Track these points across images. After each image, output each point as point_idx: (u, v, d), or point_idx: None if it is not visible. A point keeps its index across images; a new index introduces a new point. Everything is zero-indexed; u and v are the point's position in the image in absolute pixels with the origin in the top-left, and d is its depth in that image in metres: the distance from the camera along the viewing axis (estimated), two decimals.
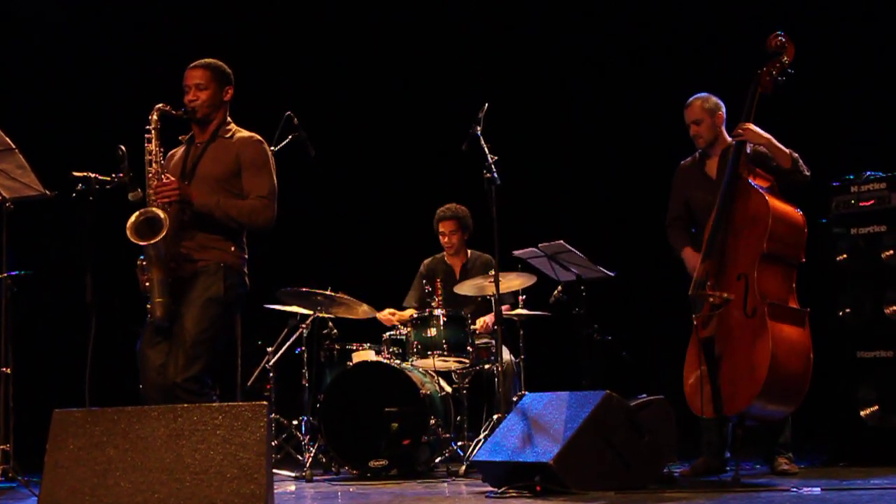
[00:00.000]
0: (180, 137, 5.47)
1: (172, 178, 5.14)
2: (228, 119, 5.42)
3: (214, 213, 5.15)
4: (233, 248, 5.26)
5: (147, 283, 5.08)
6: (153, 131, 5.15)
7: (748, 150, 5.96)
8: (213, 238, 5.21)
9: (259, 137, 5.37)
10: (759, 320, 5.47)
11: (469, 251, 7.95)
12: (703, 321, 5.69)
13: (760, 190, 5.68)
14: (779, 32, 5.85)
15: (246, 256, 5.34)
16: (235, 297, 5.25)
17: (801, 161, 5.94)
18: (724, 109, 6.27)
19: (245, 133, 5.37)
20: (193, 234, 5.20)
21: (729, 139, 6.16)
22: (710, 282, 5.70)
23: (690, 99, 6.29)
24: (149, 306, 5.09)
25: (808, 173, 5.96)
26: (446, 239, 7.85)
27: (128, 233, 4.99)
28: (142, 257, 5.08)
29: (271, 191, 5.28)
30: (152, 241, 4.97)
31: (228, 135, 5.34)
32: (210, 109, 5.31)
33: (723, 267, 5.72)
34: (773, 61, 5.82)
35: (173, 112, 5.22)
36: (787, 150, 5.92)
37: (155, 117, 5.15)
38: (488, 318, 7.53)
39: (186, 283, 5.15)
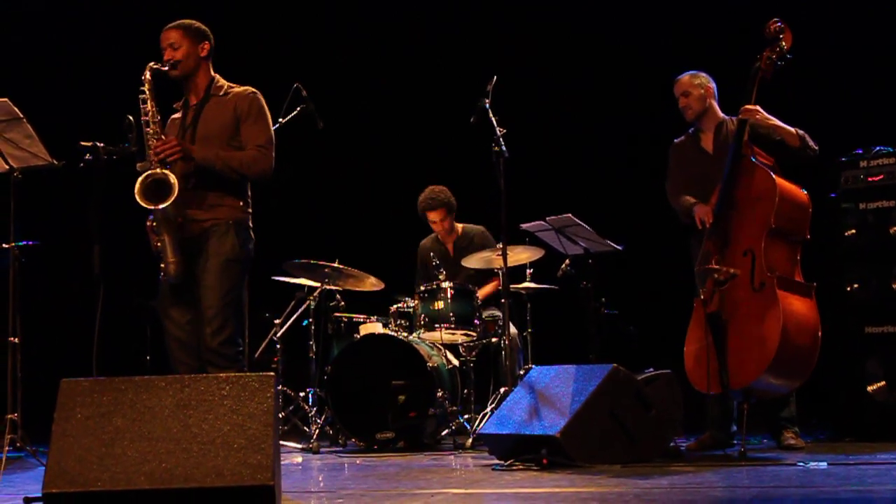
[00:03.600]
0: (175, 105, 5.47)
1: (172, 138, 5.16)
2: (216, 76, 5.43)
3: (216, 164, 5.20)
4: (241, 204, 5.33)
5: (158, 244, 5.11)
6: (147, 91, 5.17)
7: (731, 126, 6.07)
8: (220, 195, 5.26)
9: (253, 90, 5.41)
10: (768, 293, 5.49)
11: (460, 227, 7.94)
12: (708, 297, 5.70)
13: (765, 168, 5.70)
14: (776, 18, 5.85)
15: (251, 211, 5.39)
16: (249, 252, 5.34)
17: (808, 137, 5.97)
18: (713, 84, 6.32)
19: (239, 88, 5.40)
20: (200, 192, 5.24)
21: (722, 115, 6.27)
22: (715, 257, 5.72)
23: (679, 75, 6.33)
24: (161, 265, 5.13)
25: (816, 147, 5.99)
26: (438, 227, 7.87)
27: (137, 197, 5.02)
28: (151, 217, 5.10)
29: (268, 139, 5.33)
30: (163, 205, 4.99)
31: (222, 92, 5.38)
32: (189, 64, 5.32)
33: (727, 243, 5.75)
34: (773, 46, 5.82)
35: (163, 68, 5.24)
36: (794, 129, 5.94)
37: (148, 76, 5.18)
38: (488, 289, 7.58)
39: (198, 242, 5.20)
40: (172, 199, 5.00)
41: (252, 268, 5.42)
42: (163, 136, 5.17)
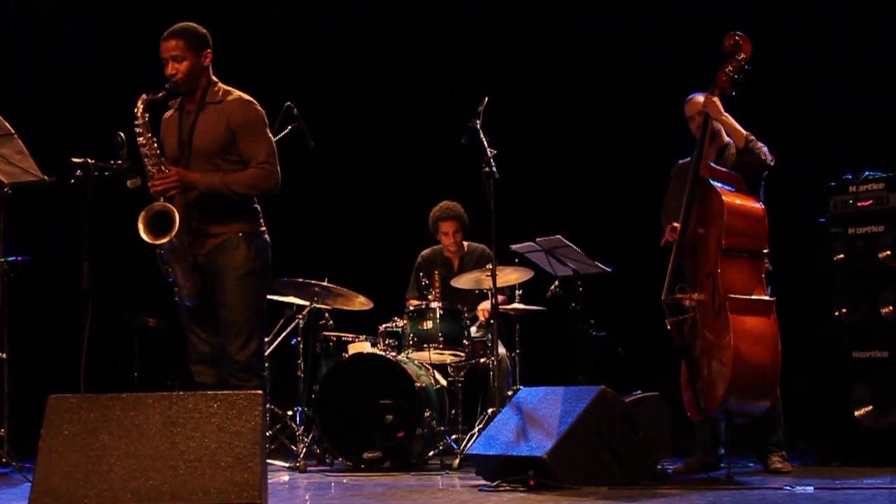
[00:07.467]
0: (170, 103, 5.33)
1: (172, 170, 5.07)
2: (213, 79, 5.27)
3: (221, 190, 5.09)
4: (248, 214, 5.22)
5: (170, 270, 5.07)
6: (142, 125, 5.05)
7: (733, 150, 6.05)
8: (227, 208, 5.14)
9: (249, 98, 5.23)
10: (723, 316, 5.51)
11: (466, 243, 7.92)
12: (677, 325, 5.72)
13: (718, 187, 5.69)
14: (734, 32, 5.85)
15: (262, 220, 5.30)
16: (265, 261, 5.25)
17: (757, 143, 5.94)
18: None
19: (234, 95, 5.22)
20: (205, 208, 5.13)
21: (727, 139, 6.18)
22: (682, 285, 5.74)
23: (692, 95, 6.30)
24: (176, 289, 5.11)
25: (765, 156, 5.94)
26: (449, 239, 7.80)
27: (141, 234, 4.94)
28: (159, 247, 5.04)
29: (269, 153, 5.18)
30: (166, 240, 4.94)
31: (217, 99, 5.20)
32: (193, 79, 5.16)
33: (696, 268, 5.76)
34: (730, 60, 5.82)
35: (157, 97, 5.10)
36: (745, 132, 5.93)
37: (141, 109, 5.04)
38: (487, 305, 7.53)
39: (210, 259, 5.12)
40: (175, 232, 4.92)
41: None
42: (162, 167, 5.05)
